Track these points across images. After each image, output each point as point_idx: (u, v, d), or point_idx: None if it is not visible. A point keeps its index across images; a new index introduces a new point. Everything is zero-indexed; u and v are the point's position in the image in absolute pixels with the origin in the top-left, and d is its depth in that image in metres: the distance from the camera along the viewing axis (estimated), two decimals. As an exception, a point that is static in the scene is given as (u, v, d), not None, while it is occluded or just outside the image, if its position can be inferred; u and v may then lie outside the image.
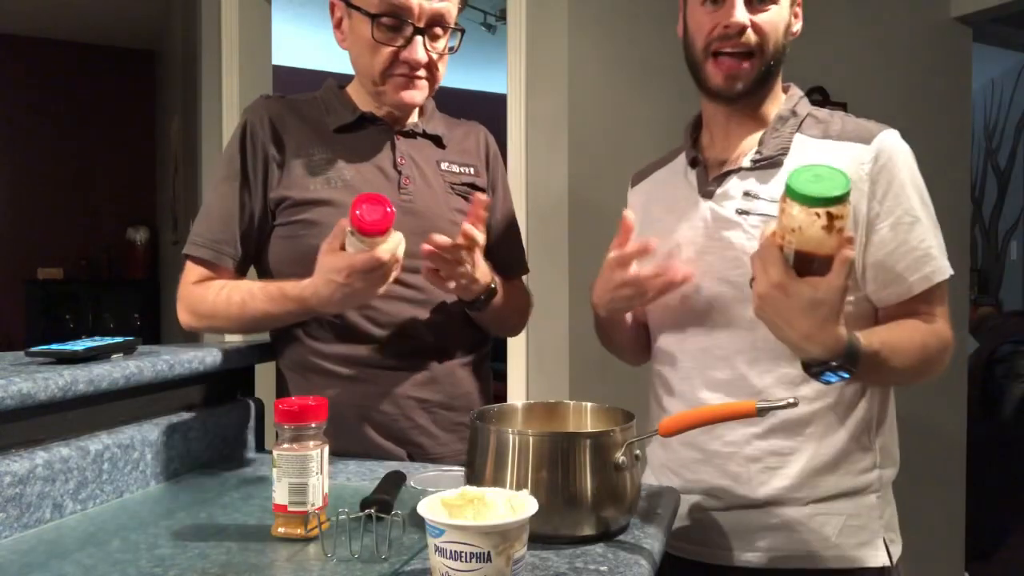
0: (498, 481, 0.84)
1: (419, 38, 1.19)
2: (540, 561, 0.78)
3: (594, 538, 0.84)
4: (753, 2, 1.07)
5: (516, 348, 2.13)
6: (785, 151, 1.11)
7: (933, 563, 2.75)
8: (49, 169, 5.11)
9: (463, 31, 1.25)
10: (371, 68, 1.22)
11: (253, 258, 1.27)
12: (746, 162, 1.12)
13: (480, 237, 1.14)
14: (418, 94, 1.24)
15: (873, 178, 1.06)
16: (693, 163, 1.19)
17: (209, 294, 1.20)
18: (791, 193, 0.86)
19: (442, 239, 1.11)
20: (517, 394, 2.13)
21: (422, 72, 1.22)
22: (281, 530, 0.84)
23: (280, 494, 0.83)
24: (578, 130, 2.08)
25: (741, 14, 1.06)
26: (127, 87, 5.32)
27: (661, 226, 1.18)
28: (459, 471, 1.03)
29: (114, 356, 1.04)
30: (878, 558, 1.07)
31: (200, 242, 1.23)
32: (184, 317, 1.24)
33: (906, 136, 1.15)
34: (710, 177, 1.16)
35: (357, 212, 0.99)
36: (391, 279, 1.07)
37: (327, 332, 1.22)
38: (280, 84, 2.90)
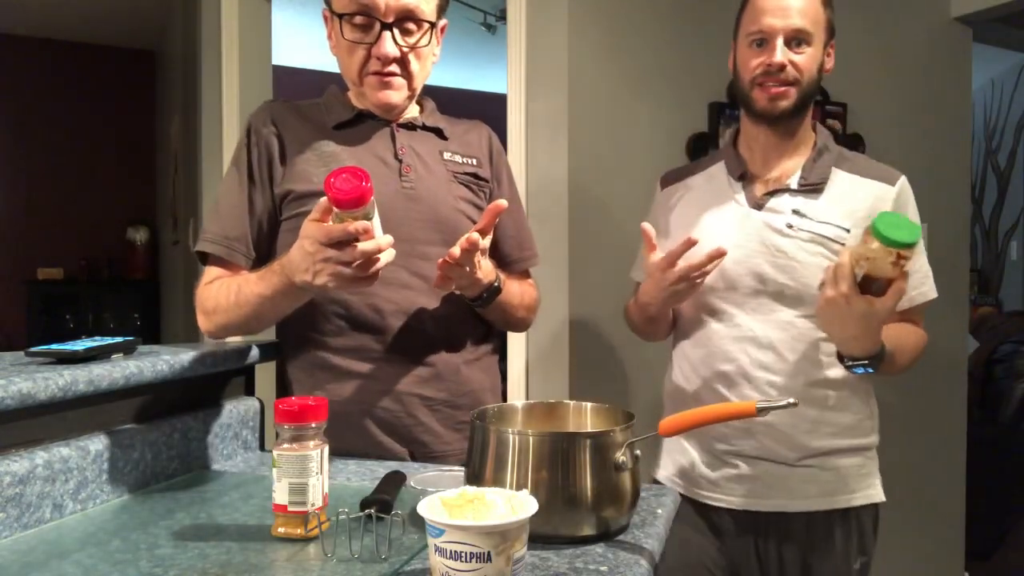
0: (498, 481, 0.84)
1: (387, 33, 1.20)
2: (540, 561, 0.78)
3: (594, 538, 0.84)
4: (791, 44, 1.30)
5: (516, 348, 2.13)
6: (825, 180, 1.35)
7: (933, 563, 2.75)
8: (49, 169, 5.10)
9: (433, 24, 1.24)
10: (350, 69, 1.25)
11: (266, 258, 1.26)
12: (793, 183, 1.35)
13: (484, 243, 1.14)
14: (394, 93, 1.25)
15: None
16: (741, 177, 1.39)
17: (213, 288, 1.21)
18: (876, 233, 1.07)
19: (457, 251, 1.10)
20: (517, 394, 2.13)
21: (395, 68, 1.23)
22: (281, 530, 0.84)
23: (280, 494, 0.83)
24: (578, 130, 2.08)
25: (782, 54, 1.29)
26: (127, 87, 5.32)
27: (705, 228, 1.38)
28: (459, 471, 1.03)
29: (114, 356, 1.04)
30: (878, 495, 1.38)
31: (211, 238, 1.23)
32: (199, 321, 1.23)
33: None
34: (758, 193, 1.37)
35: (331, 180, 0.93)
36: (371, 269, 1.00)
37: (332, 324, 1.23)
38: (280, 84, 2.90)
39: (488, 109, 2.47)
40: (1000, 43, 3.20)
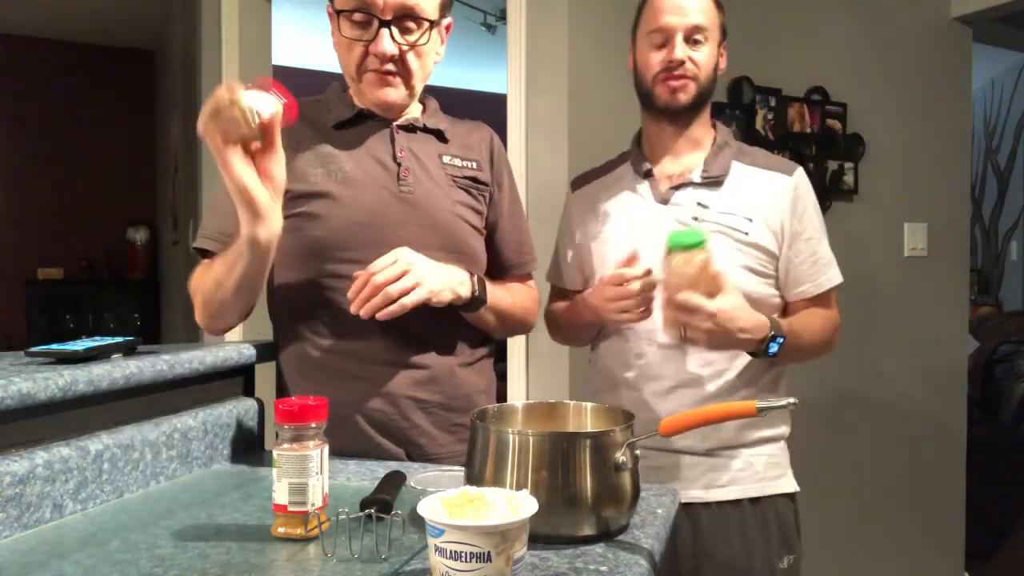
0: (498, 481, 0.84)
1: (385, 31, 1.19)
2: (540, 561, 0.78)
3: (594, 538, 0.84)
4: (689, 41, 1.37)
5: (516, 348, 2.13)
6: (726, 173, 1.40)
7: (933, 563, 2.75)
8: (49, 169, 5.11)
9: (432, 23, 1.23)
10: (348, 66, 1.25)
11: None
12: (696, 177, 1.40)
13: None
14: (392, 91, 1.24)
15: (793, 203, 1.38)
16: (646, 175, 1.44)
17: (196, 271, 1.21)
18: (672, 247, 1.17)
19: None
20: (517, 394, 2.13)
21: (392, 67, 1.22)
22: (281, 530, 0.84)
23: (280, 494, 0.83)
24: (578, 130, 2.08)
25: (681, 51, 1.36)
26: (127, 87, 5.33)
27: (615, 227, 1.44)
28: (459, 471, 1.03)
29: (114, 356, 1.04)
30: (791, 485, 1.42)
31: (210, 235, 1.23)
32: (197, 313, 1.23)
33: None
34: (662, 188, 1.41)
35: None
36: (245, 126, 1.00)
37: (327, 327, 1.22)
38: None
39: (488, 109, 2.46)
40: (1000, 43, 3.21)
